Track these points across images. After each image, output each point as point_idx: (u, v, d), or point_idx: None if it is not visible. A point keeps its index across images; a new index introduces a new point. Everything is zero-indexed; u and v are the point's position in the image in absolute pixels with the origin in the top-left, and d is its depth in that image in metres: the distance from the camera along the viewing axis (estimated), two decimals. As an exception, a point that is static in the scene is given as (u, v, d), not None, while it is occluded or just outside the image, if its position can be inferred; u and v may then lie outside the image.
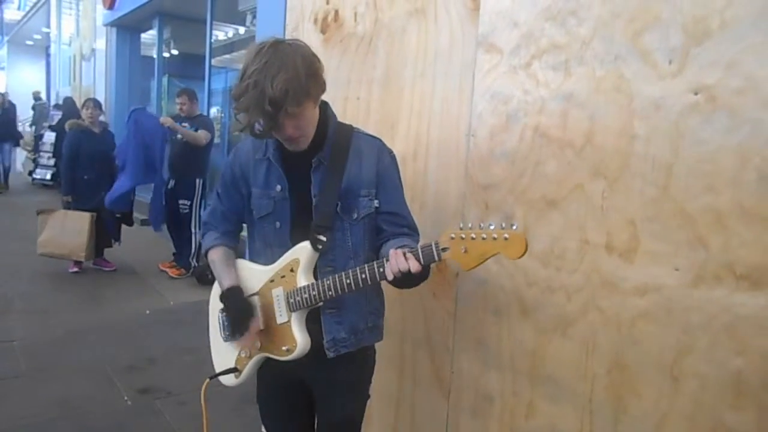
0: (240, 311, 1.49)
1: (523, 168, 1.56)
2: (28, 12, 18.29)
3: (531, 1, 1.53)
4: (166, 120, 5.14)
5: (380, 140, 1.57)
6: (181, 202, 5.32)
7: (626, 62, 1.34)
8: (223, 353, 1.60)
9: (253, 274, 1.54)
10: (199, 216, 5.42)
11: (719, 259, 1.18)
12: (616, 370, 1.37)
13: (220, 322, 1.57)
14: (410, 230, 1.54)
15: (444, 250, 1.27)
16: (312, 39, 2.33)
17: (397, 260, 1.28)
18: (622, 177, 1.35)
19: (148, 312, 4.42)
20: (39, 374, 3.21)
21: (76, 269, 5.30)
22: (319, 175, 1.47)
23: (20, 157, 9.81)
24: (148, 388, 3.11)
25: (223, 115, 8.26)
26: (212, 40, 7.59)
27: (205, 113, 6.35)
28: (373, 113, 2.03)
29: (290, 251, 1.47)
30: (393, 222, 1.52)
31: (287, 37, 2.48)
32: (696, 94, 1.21)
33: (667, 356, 1.27)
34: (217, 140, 6.45)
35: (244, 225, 1.65)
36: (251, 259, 1.58)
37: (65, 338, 3.76)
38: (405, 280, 1.32)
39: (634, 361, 1.33)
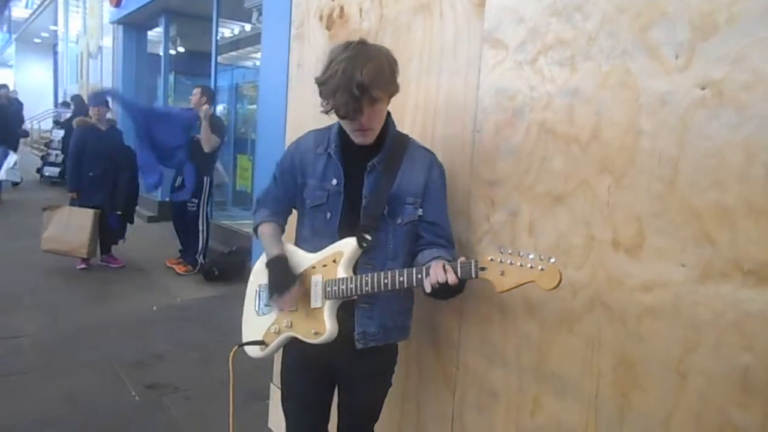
0: (283, 275, 1.56)
1: (529, 164, 1.56)
2: (36, 10, 18.42)
3: (537, -4, 1.52)
4: (202, 108, 5.15)
5: (433, 154, 1.65)
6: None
7: (632, 57, 1.33)
8: (253, 326, 1.68)
9: (298, 259, 1.60)
10: (206, 213, 5.45)
11: (726, 255, 1.18)
12: (621, 367, 1.37)
13: (257, 293, 1.66)
14: (447, 242, 1.61)
15: (482, 269, 1.34)
16: (317, 35, 2.33)
17: (437, 272, 1.36)
18: (629, 173, 1.34)
19: (155, 308, 4.45)
20: (47, 370, 3.24)
21: (83, 266, 5.33)
22: (372, 178, 1.55)
23: (10, 162, 9.22)
24: (155, 384, 3.13)
25: (229, 112, 8.28)
26: (218, 38, 7.61)
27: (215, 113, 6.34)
28: (379, 109, 2.02)
29: (336, 243, 1.54)
30: (433, 232, 1.59)
31: (293, 32, 2.49)
32: (703, 89, 1.20)
33: (674, 353, 1.26)
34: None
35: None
36: (297, 245, 1.65)
37: (73, 334, 3.79)
38: (440, 291, 1.38)
39: (640, 357, 1.33)
